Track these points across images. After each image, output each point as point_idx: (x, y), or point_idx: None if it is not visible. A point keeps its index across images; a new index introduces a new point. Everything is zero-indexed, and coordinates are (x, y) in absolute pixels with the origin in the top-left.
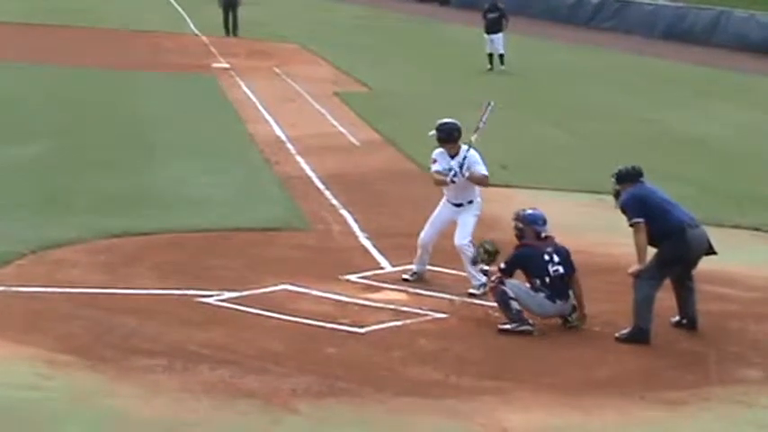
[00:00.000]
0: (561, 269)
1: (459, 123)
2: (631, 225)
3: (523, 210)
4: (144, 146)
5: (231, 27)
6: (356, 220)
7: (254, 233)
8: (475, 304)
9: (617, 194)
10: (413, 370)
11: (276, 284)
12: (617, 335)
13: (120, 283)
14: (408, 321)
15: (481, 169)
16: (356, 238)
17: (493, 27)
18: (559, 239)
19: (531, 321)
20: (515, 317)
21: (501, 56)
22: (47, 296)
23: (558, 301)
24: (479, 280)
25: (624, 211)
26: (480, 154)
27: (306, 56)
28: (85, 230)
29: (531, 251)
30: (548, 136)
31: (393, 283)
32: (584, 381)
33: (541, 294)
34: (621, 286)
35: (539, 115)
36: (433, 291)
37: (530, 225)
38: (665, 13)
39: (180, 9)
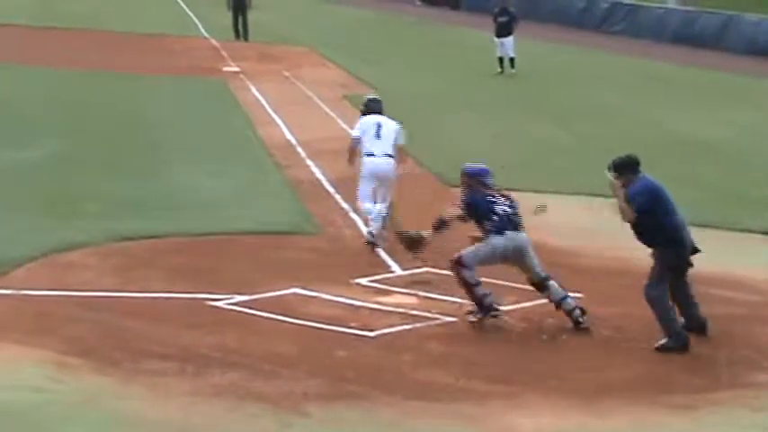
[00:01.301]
0: (508, 209)
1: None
2: (632, 215)
3: (468, 165)
4: (154, 149)
5: (242, 31)
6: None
7: (264, 236)
8: None
9: (625, 185)
10: (423, 373)
11: (286, 288)
12: (656, 346)
13: (130, 286)
14: (418, 325)
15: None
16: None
17: (503, 31)
18: (566, 242)
19: (497, 306)
20: (480, 301)
21: (512, 59)
22: (57, 299)
23: (508, 232)
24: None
25: (632, 202)
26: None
27: (315, 59)
28: (96, 234)
29: (475, 196)
30: (554, 138)
31: (403, 287)
32: (594, 384)
33: (492, 237)
34: (631, 290)
35: (545, 118)
36: (443, 294)
37: (475, 178)
38: (675, 17)
39: (190, 12)
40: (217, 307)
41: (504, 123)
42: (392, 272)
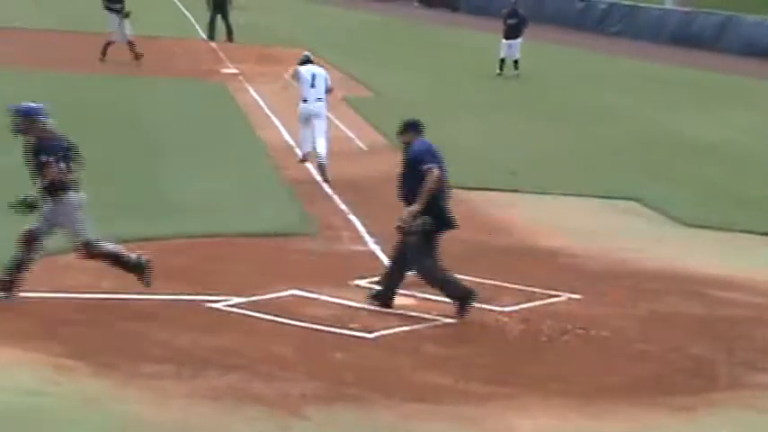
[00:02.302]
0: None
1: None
2: (426, 171)
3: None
4: (152, 151)
5: (226, 33)
6: (365, 225)
7: (262, 238)
8: (484, 309)
9: (406, 145)
10: (421, 375)
11: (285, 290)
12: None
13: (128, 288)
14: (417, 326)
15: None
16: (365, 242)
17: (512, 33)
18: (567, 244)
19: None
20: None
21: (515, 61)
22: (54, 301)
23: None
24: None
25: (417, 161)
26: None
27: (314, 61)
28: (94, 235)
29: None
30: (554, 140)
31: (402, 288)
32: (593, 386)
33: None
34: (630, 291)
35: (546, 119)
36: (442, 296)
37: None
38: (673, 17)
39: (188, 14)
40: (215, 309)
41: (505, 124)
42: None
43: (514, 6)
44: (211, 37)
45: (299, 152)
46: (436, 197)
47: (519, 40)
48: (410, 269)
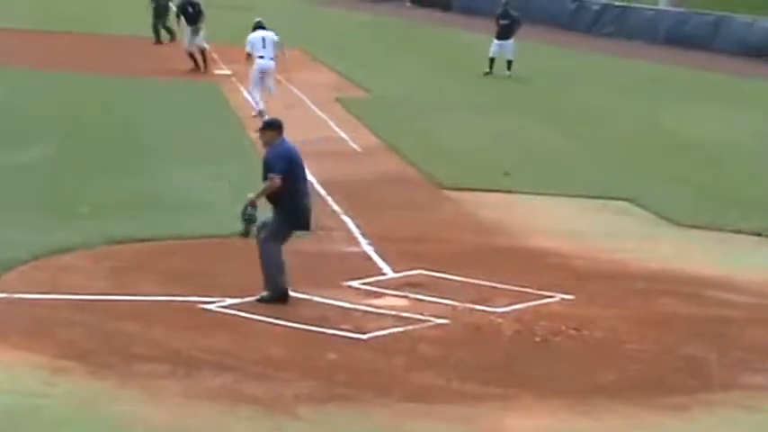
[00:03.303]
0: None
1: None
2: (270, 178)
3: None
4: (146, 152)
5: (170, 37)
6: (358, 226)
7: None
8: (477, 310)
9: (266, 145)
10: (415, 376)
11: None
12: (257, 298)
13: (123, 289)
14: (410, 327)
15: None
16: (358, 243)
17: (503, 33)
18: (560, 244)
19: None
20: None
21: (509, 62)
22: (50, 302)
23: None
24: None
25: (268, 166)
26: None
27: (307, 61)
28: (89, 236)
29: None
30: (547, 141)
31: (395, 289)
32: (588, 386)
33: None
34: (624, 292)
35: (539, 120)
36: (435, 296)
37: None
38: (666, 18)
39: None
40: (209, 310)
41: (498, 125)
42: (384, 274)
43: (506, 7)
44: (158, 39)
45: (255, 107)
46: (292, 197)
47: (511, 41)
48: (261, 235)
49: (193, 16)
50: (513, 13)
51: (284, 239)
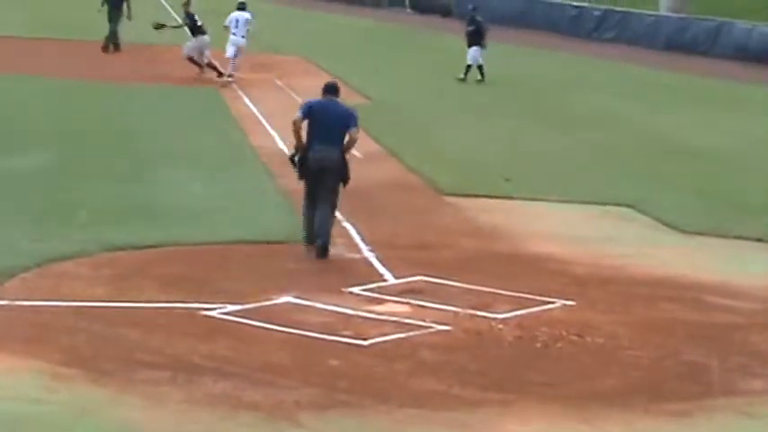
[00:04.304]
0: None
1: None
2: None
3: None
4: (146, 159)
5: (111, 38)
6: (359, 232)
7: (257, 246)
8: (478, 316)
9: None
10: (416, 382)
11: (279, 297)
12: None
13: (123, 296)
14: (411, 333)
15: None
16: (359, 250)
17: (471, 40)
18: (561, 250)
19: None
20: None
21: (479, 67)
22: (50, 309)
23: None
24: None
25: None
26: None
27: (307, 67)
28: (89, 243)
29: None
30: (549, 146)
31: (396, 296)
32: (588, 392)
33: None
34: (625, 297)
35: (540, 125)
36: (437, 303)
37: None
38: (667, 23)
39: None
40: (210, 316)
41: (498, 130)
42: (385, 281)
43: (472, 13)
44: (116, 45)
45: (230, 73)
46: (307, 148)
47: (477, 48)
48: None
49: (195, 28)
50: (479, 18)
51: (308, 192)
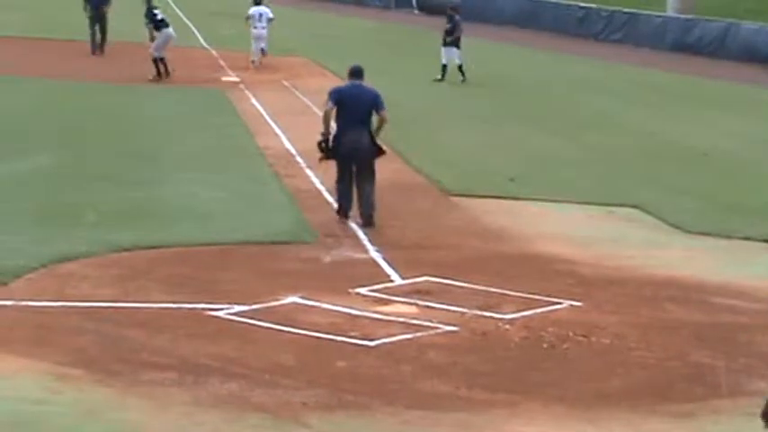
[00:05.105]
0: None
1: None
2: (326, 106)
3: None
4: (152, 159)
5: (99, 41)
6: (365, 233)
7: (263, 246)
8: (485, 317)
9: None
10: (423, 383)
11: (286, 298)
12: None
13: (129, 296)
14: (418, 334)
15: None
16: (366, 250)
17: (445, 38)
18: (567, 251)
19: None
20: None
21: (459, 67)
22: (56, 310)
23: None
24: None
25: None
26: None
27: (314, 69)
28: (95, 244)
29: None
30: (555, 148)
31: (403, 296)
32: (594, 393)
33: None
34: (631, 298)
35: (546, 127)
36: (444, 303)
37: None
38: (674, 25)
39: (189, 23)
40: (216, 317)
41: (503, 132)
42: (392, 281)
43: (450, 12)
44: (94, 50)
45: (254, 58)
46: (338, 133)
47: (452, 48)
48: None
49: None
50: (456, 16)
51: (341, 172)
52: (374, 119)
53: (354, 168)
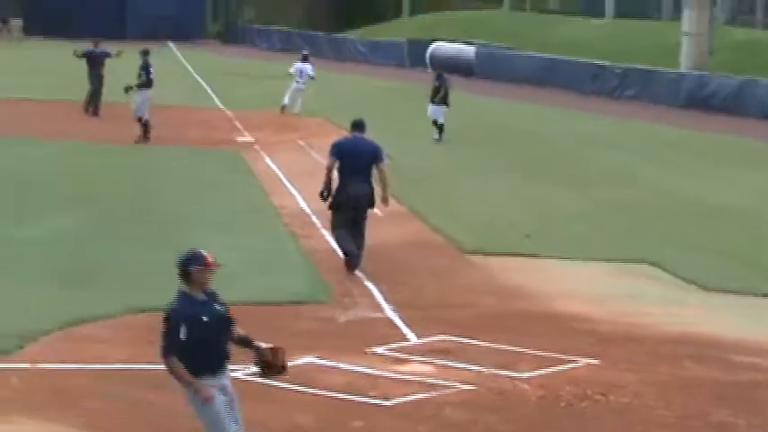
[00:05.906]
0: None
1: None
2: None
3: None
4: (168, 220)
5: (92, 107)
6: (381, 292)
7: (280, 307)
8: (502, 376)
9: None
10: None
11: (302, 357)
12: None
13: (145, 358)
14: (435, 393)
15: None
16: (382, 309)
17: (433, 96)
18: (584, 308)
19: None
20: None
21: (440, 126)
22: (74, 373)
23: None
24: None
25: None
26: None
27: (330, 129)
28: (112, 306)
29: None
30: (570, 203)
31: (420, 355)
32: None
33: None
34: (648, 356)
35: (561, 183)
36: (460, 363)
37: None
38: (689, 81)
39: (205, 84)
40: (234, 378)
41: (519, 189)
42: (408, 340)
43: (439, 70)
44: (88, 110)
45: (286, 103)
46: (341, 185)
47: (438, 107)
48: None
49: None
50: (445, 75)
51: (341, 219)
52: (375, 171)
53: (352, 215)
